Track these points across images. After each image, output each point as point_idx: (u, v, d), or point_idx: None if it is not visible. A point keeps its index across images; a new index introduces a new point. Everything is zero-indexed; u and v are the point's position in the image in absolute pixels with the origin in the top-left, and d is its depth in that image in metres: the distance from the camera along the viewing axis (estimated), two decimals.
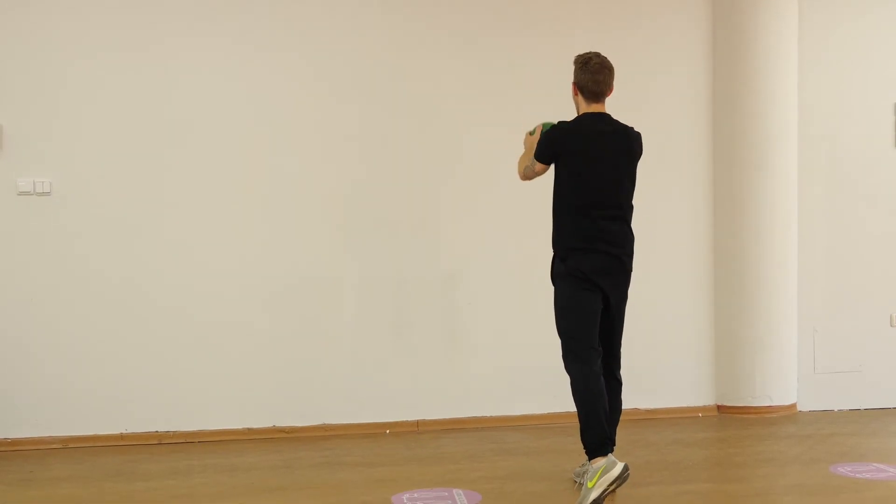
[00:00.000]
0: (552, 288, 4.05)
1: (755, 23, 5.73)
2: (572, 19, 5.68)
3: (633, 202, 4.06)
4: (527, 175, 4.16)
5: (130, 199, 5.16)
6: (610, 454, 3.73)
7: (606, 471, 3.61)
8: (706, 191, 5.88)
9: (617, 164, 3.95)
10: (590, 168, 3.92)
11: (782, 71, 5.77)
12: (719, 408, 5.90)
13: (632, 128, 4.03)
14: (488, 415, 5.58)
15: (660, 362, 5.76)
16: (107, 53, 5.13)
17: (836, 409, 5.97)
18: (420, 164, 5.49)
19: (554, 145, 3.97)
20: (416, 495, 4.03)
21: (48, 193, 5.07)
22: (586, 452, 3.81)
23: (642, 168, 4.10)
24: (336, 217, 5.40)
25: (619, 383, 4.10)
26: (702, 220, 5.88)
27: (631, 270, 4.05)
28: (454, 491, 4.09)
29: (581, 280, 3.91)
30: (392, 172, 5.46)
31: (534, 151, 4.07)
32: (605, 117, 4.00)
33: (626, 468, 3.64)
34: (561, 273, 3.97)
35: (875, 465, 4.50)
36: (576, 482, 4.17)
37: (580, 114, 4.03)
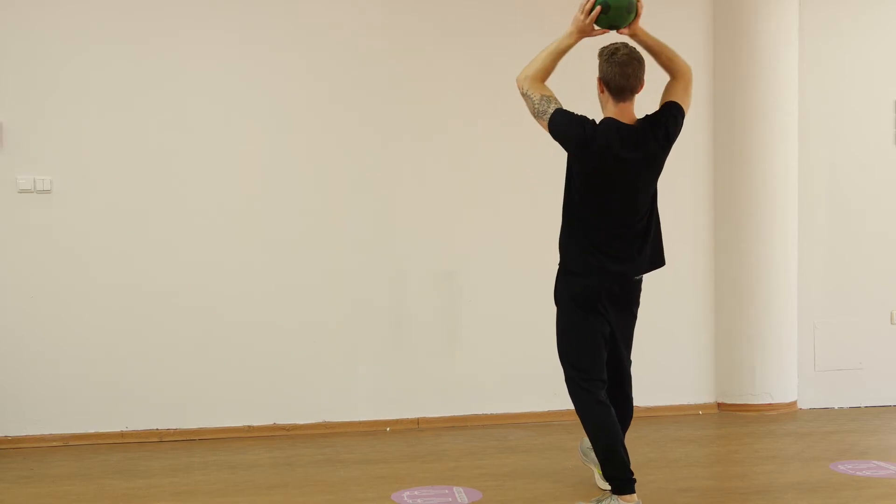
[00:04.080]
0: (552, 287, 3.90)
1: (755, 22, 5.72)
2: (573, 17, 5.67)
3: None
4: (525, 90, 3.67)
5: (131, 197, 5.15)
6: (635, 495, 3.59)
7: None
8: (706, 189, 5.88)
9: (642, 184, 3.60)
10: (609, 189, 3.56)
11: (782, 70, 5.77)
12: (719, 405, 5.90)
13: (662, 117, 3.63)
14: (489, 412, 5.58)
15: (660, 360, 5.76)
16: (107, 49, 5.12)
17: (836, 407, 5.98)
18: (420, 162, 5.49)
19: (573, 137, 3.52)
20: (416, 493, 4.03)
21: (49, 191, 5.06)
22: (611, 487, 3.64)
23: None
24: (336, 213, 5.40)
25: (629, 398, 3.88)
26: (702, 217, 5.88)
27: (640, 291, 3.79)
28: (455, 489, 4.09)
29: (587, 308, 3.64)
30: (392, 170, 5.46)
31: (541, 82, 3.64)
32: (634, 129, 3.56)
33: None
34: (564, 296, 3.70)
35: (875, 462, 4.50)
36: (582, 457, 4.16)
37: (606, 116, 3.61)
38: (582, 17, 3.63)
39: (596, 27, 3.66)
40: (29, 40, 5.04)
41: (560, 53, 3.70)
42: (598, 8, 3.62)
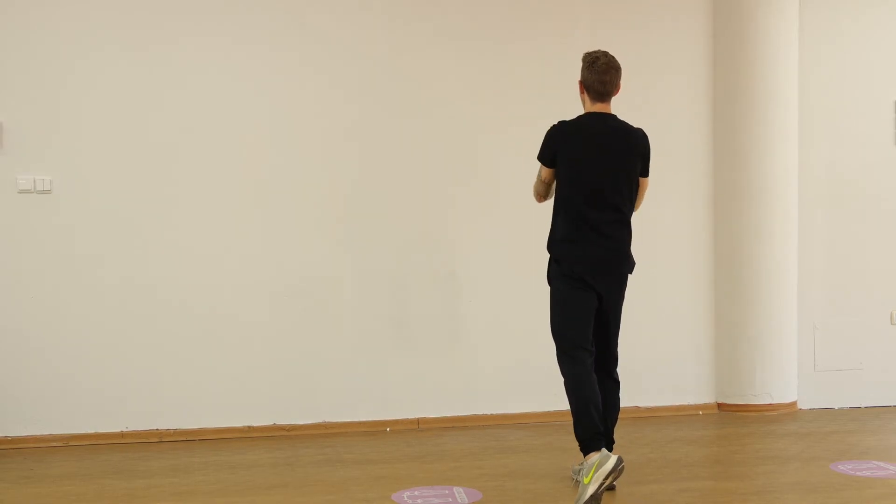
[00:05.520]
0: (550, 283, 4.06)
1: (755, 23, 5.73)
2: (573, 19, 5.68)
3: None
4: (538, 190, 4.12)
5: (131, 197, 5.16)
6: (603, 448, 3.74)
7: (601, 465, 3.61)
8: (706, 189, 5.89)
9: (615, 164, 3.92)
10: (586, 167, 3.90)
11: (782, 71, 5.77)
12: (720, 405, 5.91)
13: (637, 128, 4.01)
14: (489, 412, 5.58)
15: (660, 360, 5.76)
16: (108, 51, 5.13)
17: (836, 407, 5.98)
18: (420, 162, 5.50)
19: (553, 144, 3.96)
20: (416, 493, 4.03)
21: (49, 191, 5.07)
22: (580, 448, 3.83)
23: None
24: (337, 215, 5.40)
25: (617, 383, 4.10)
26: (702, 218, 5.88)
27: (628, 271, 4.02)
28: (455, 489, 4.09)
29: (574, 280, 3.92)
30: (392, 171, 5.46)
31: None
32: (608, 117, 3.98)
33: (619, 460, 3.63)
34: (556, 274, 3.99)
35: (875, 462, 4.50)
36: (574, 480, 4.17)
37: (584, 112, 4.03)
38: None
39: None
40: (30, 41, 5.04)
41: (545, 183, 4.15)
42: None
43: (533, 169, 5.62)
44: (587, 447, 3.80)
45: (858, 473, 4.29)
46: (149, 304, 5.18)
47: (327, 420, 5.39)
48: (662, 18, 5.83)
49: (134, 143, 5.16)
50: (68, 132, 5.10)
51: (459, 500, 3.91)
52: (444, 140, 5.53)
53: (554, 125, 4.01)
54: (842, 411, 5.90)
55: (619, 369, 4.12)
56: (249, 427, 5.30)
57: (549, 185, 4.06)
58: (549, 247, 4.04)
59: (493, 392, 5.58)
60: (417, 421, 5.50)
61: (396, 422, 5.46)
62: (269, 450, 4.93)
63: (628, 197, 3.97)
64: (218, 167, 5.26)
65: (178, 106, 5.21)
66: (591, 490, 3.59)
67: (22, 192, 5.04)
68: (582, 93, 4.03)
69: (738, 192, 5.78)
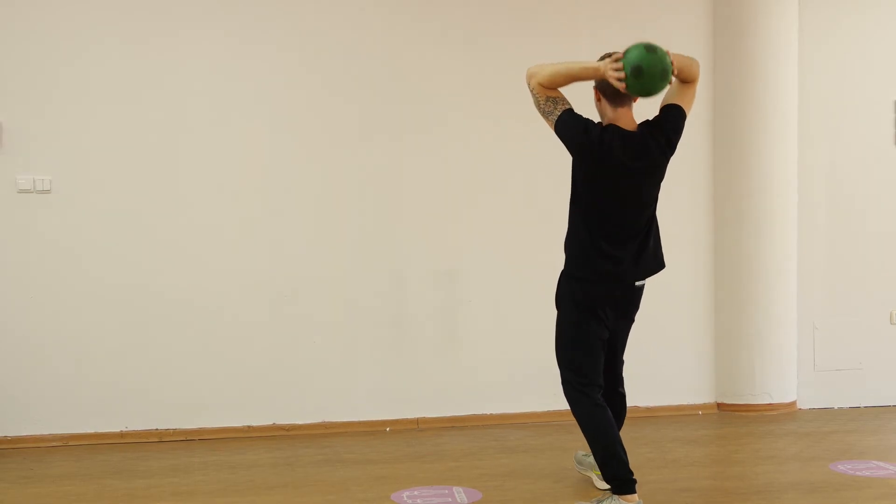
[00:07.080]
0: (553, 286, 3.91)
1: (755, 23, 5.72)
2: (573, 17, 5.68)
3: None
4: (531, 87, 3.54)
5: (131, 197, 5.16)
6: (639, 500, 3.60)
7: None
8: (706, 189, 5.88)
9: (642, 189, 3.59)
10: (612, 193, 3.55)
11: (782, 71, 5.76)
12: (719, 405, 5.91)
13: (665, 125, 3.60)
14: (489, 412, 5.58)
15: (660, 360, 5.76)
16: (107, 49, 5.12)
17: (835, 407, 5.98)
18: (420, 161, 5.49)
19: (576, 142, 3.50)
20: (416, 493, 4.03)
21: (48, 191, 5.07)
22: (612, 488, 3.63)
23: None
24: (337, 214, 5.40)
25: (623, 396, 3.92)
26: (702, 218, 5.88)
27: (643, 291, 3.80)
28: (454, 489, 4.09)
29: (587, 311, 3.65)
30: (392, 170, 5.46)
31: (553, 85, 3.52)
32: (636, 137, 3.54)
33: None
34: (566, 300, 3.70)
35: (875, 462, 4.51)
36: (578, 467, 4.16)
37: (608, 123, 3.57)
38: (613, 73, 3.40)
39: (628, 92, 3.47)
40: (29, 40, 5.04)
41: (576, 78, 3.53)
42: (624, 73, 3.38)
43: (533, 169, 5.65)
44: (620, 489, 3.59)
45: (858, 473, 4.29)
46: (149, 303, 5.18)
47: (327, 420, 5.39)
48: (662, 18, 5.82)
49: (134, 142, 5.16)
50: (68, 132, 5.10)
51: (459, 500, 3.91)
52: (444, 140, 5.52)
53: (594, 125, 3.53)
54: (841, 411, 5.90)
55: None
56: (249, 427, 5.30)
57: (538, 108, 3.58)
58: (566, 263, 3.70)
59: (492, 392, 5.58)
60: (417, 421, 5.50)
61: (396, 422, 5.46)
62: (268, 450, 4.94)
63: (654, 212, 3.70)
64: (219, 167, 5.26)
65: (178, 104, 5.21)
66: None
67: (22, 191, 5.04)
68: (598, 100, 3.60)
69: (738, 192, 5.78)
